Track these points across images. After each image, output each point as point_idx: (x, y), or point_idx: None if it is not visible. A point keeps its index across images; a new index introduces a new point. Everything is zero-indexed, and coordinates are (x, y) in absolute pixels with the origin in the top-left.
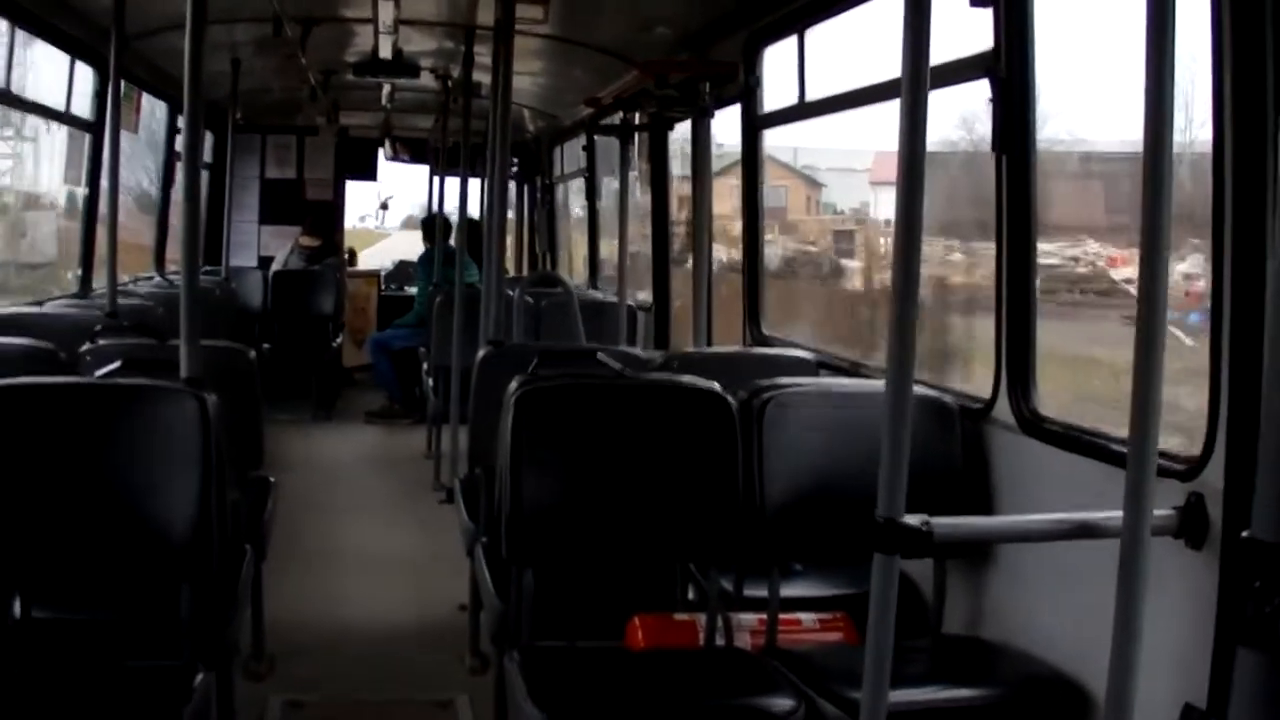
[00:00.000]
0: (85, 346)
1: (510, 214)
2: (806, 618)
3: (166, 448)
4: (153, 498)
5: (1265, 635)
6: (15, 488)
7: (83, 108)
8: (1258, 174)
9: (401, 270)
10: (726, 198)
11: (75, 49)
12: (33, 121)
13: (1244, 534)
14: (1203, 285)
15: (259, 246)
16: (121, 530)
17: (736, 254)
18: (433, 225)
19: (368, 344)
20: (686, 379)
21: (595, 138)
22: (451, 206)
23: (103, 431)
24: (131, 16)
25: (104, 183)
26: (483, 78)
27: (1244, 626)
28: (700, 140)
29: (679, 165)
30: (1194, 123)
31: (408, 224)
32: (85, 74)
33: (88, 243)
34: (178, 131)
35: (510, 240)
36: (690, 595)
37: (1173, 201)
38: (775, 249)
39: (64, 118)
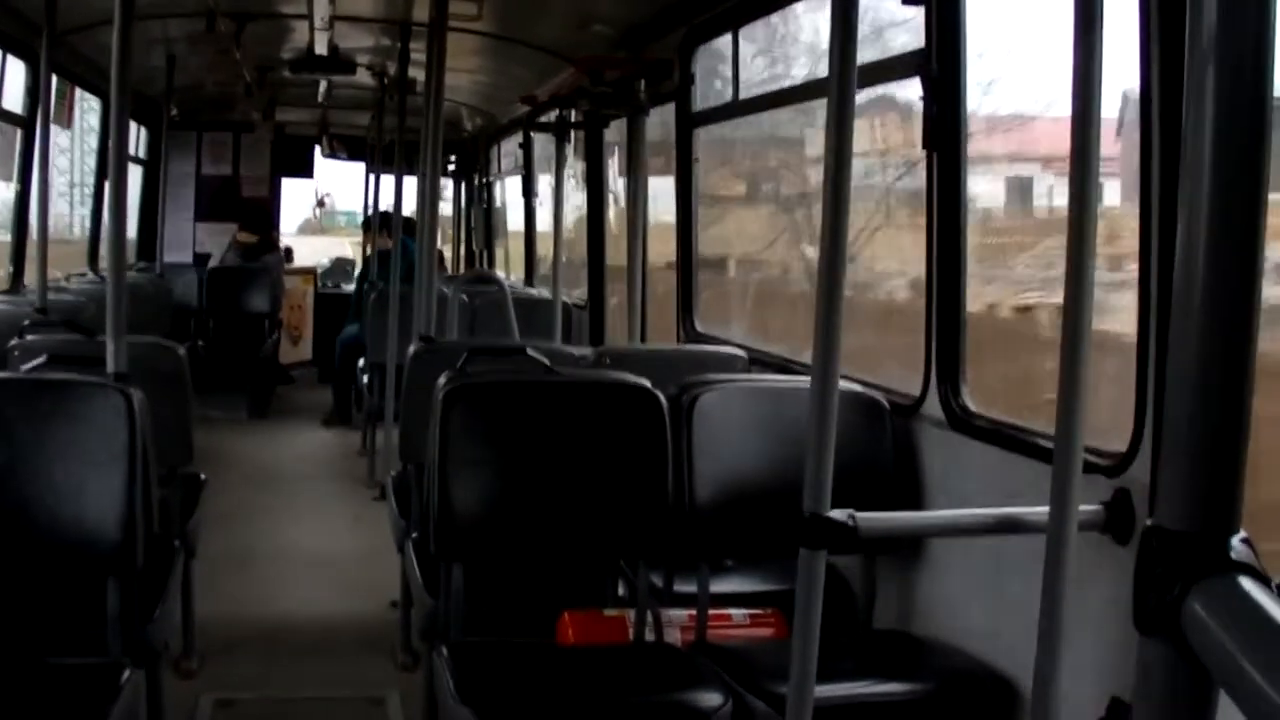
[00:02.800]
0: (13, 342)
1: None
2: (737, 613)
3: (92, 443)
4: (78, 493)
5: (1168, 623)
6: None
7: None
8: None
9: (339, 267)
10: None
11: (6, 44)
12: None
13: (1148, 522)
14: None
15: (195, 243)
16: (46, 525)
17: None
18: (387, 221)
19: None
20: (616, 375)
21: (532, 135)
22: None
23: (26, 426)
24: (63, 11)
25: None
26: (419, 75)
27: (1148, 615)
28: (635, 137)
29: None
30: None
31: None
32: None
33: (19, 238)
34: None
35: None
36: (621, 591)
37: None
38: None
39: None
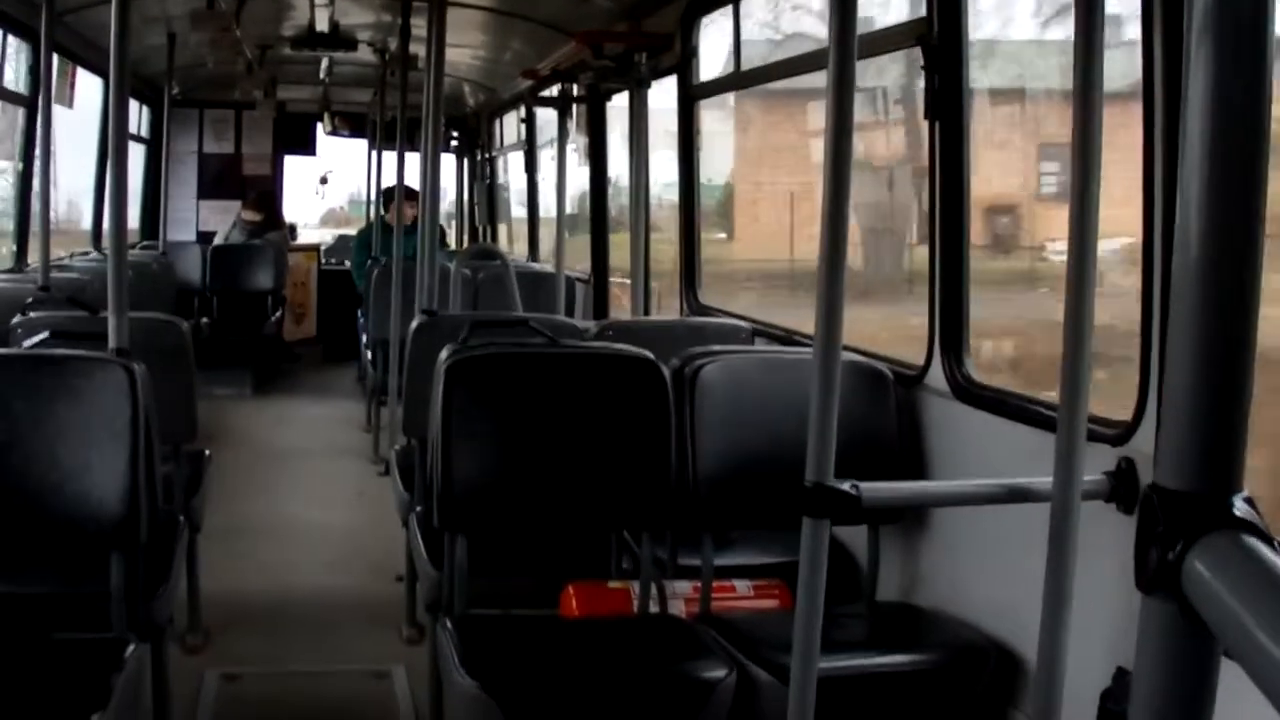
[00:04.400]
0: (16, 319)
1: None
2: (741, 585)
3: (94, 418)
4: (81, 469)
5: (1169, 581)
6: None
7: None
8: None
9: (341, 244)
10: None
11: (7, 22)
12: None
13: (1149, 482)
14: None
15: (198, 221)
16: (50, 502)
17: None
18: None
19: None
20: (619, 346)
21: (534, 110)
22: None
23: (29, 403)
24: None
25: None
26: (420, 50)
27: (1149, 574)
28: (637, 111)
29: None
30: None
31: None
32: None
33: (22, 217)
34: None
35: None
36: (625, 563)
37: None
38: None
39: None
